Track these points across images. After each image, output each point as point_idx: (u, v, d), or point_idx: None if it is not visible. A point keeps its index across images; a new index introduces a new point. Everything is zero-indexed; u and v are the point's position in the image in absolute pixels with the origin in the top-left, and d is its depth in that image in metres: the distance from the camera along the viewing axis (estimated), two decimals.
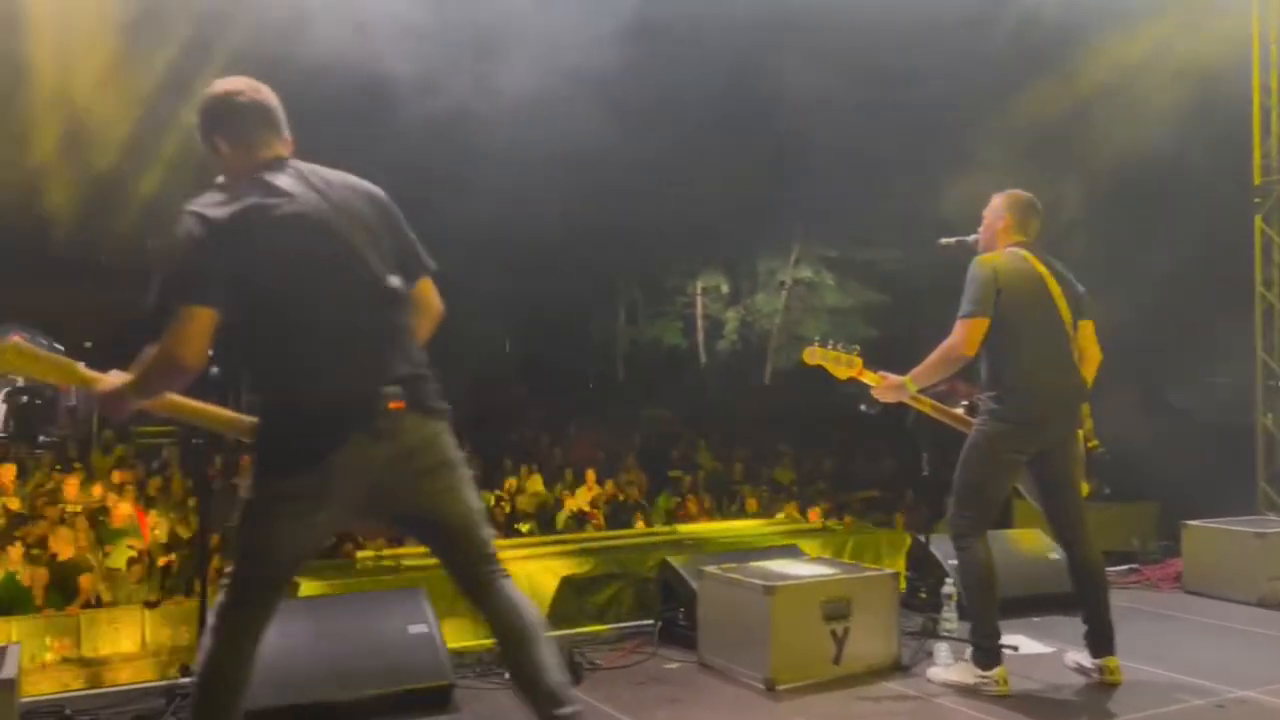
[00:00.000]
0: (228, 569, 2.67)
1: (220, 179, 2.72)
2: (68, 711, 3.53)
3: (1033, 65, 11.24)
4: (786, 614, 4.16)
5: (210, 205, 2.62)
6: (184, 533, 9.73)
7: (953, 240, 4.51)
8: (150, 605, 8.56)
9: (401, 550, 6.92)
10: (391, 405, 2.60)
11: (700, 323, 20.71)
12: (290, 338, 2.61)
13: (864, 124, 12.77)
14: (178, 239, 2.58)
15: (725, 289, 20.47)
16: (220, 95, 2.80)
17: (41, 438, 17.10)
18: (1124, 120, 10.56)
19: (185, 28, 9.69)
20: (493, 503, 11.31)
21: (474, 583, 2.77)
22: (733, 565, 4.58)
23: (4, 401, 18.74)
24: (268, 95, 2.85)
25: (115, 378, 2.71)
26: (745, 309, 20.14)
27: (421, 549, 8.12)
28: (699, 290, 20.64)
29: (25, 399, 18.71)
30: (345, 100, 9.73)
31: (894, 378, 4.25)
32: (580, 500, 11.86)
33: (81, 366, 2.78)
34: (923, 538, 5.57)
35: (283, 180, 2.71)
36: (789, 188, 15.78)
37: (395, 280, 2.74)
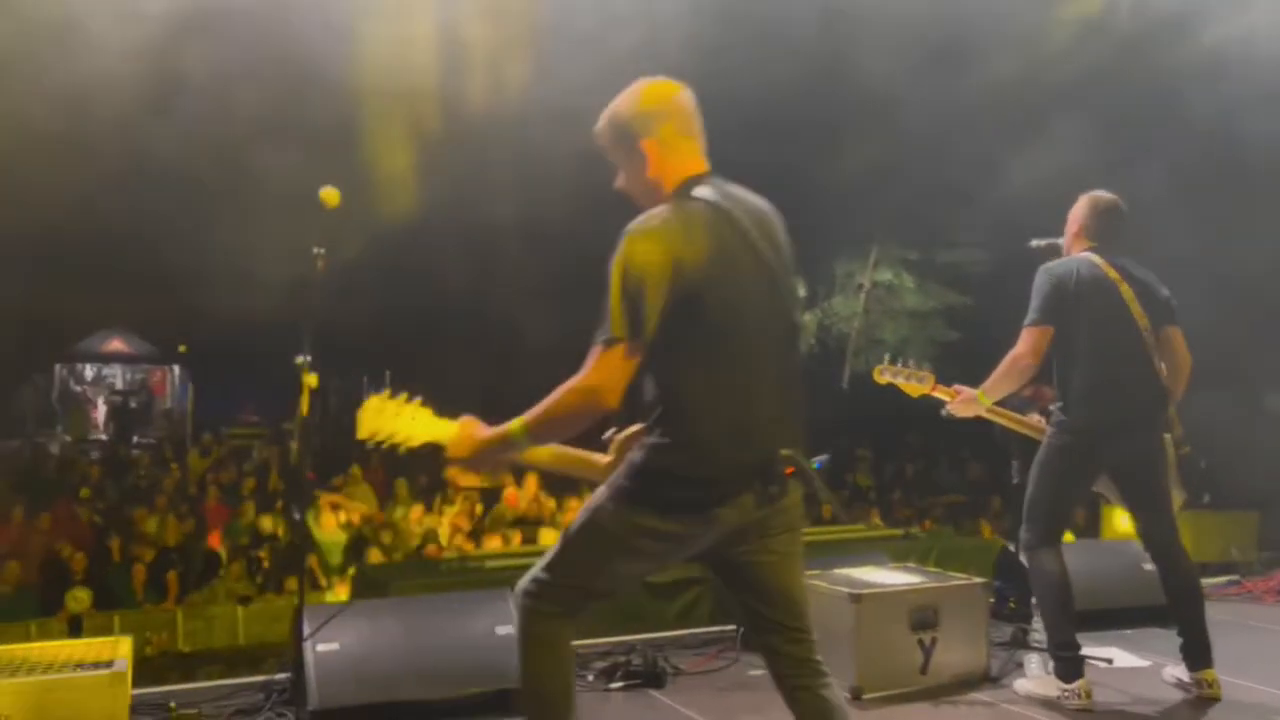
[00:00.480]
0: (542, 575, 2.53)
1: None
2: (172, 704, 3.66)
3: (1122, 55, 10.92)
4: (873, 622, 4.12)
5: (669, 228, 2.40)
6: (277, 530, 9.98)
7: (1044, 242, 4.42)
8: (243, 602, 8.82)
9: (485, 551, 7.02)
10: (788, 470, 2.45)
11: None
12: (712, 387, 2.40)
13: (946, 120, 12.55)
14: (633, 266, 2.34)
15: (801, 292, 20.30)
16: (649, 96, 2.58)
17: (137, 439, 17.74)
18: (1217, 105, 10.17)
19: None
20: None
21: (784, 661, 2.58)
22: (816, 572, 4.54)
23: (105, 403, 19.55)
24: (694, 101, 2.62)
25: (478, 426, 2.52)
26: (822, 312, 19.93)
27: (503, 549, 8.26)
28: None
29: (122, 400, 19.47)
30: None
31: (968, 391, 4.19)
32: None
33: (435, 420, 2.59)
34: (1012, 546, 5.46)
35: (725, 203, 2.50)
36: (867, 188, 15.58)
37: (799, 316, 2.59)
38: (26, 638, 7.88)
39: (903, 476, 14.41)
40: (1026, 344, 3.99)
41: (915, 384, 4.33)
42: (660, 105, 2.53)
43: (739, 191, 2.55)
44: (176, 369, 20.10)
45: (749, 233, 2.46)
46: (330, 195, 3.43)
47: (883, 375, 4.43)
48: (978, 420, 4.37)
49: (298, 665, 3.65)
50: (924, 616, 4.23)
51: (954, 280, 18.19)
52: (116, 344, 19.34)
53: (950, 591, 4.38)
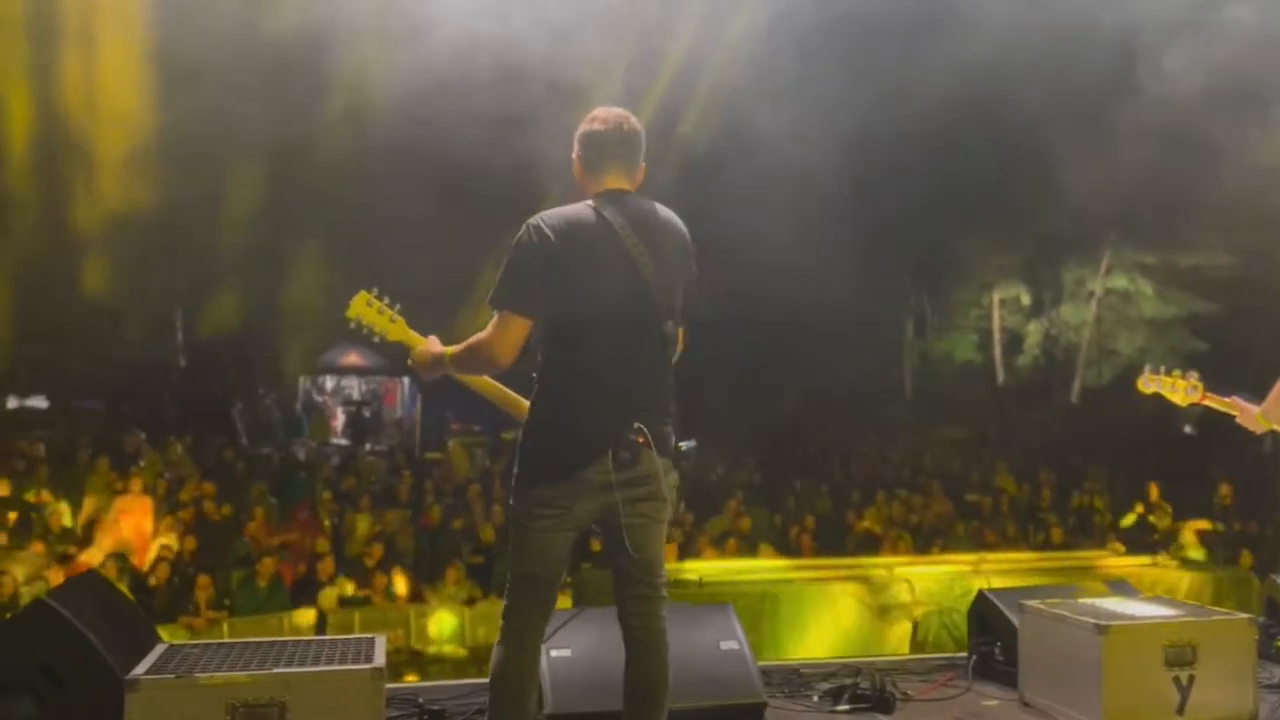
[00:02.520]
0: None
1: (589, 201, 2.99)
2: (420, 701, 3.84)
3: None
4: (1122, 656, 3.84)
5: (550, 220, 2.90)
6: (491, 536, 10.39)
7: None
8: (469, 603, 9.23)
9: (702, 564, 7.04)
10: (639, 440, 2.85)
11: (998, 336, 19.61)
12: (573, 360, 2.88)
13: (1186, 109, 11.60)
14: (516, 245, 2.90)
15: (1025, 300, 19.28)
16: (588, 122, 3.05)
17: (369, 446, 18.93)
18: None
19: None
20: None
21: (626, 611, 3.03)
22: (1058, 600, 4.27)
23: (343, 412, 21.03)
24: (630, 129, 3.03)
25: (434, 345, 3.13)
26: (1049, 321, 18.85)
27: (722, 565, 8.27)
28: (996, 302, 19.56)
29: (357, 410, 20.90)
30: None
31: (1248, 408, 3.85)
32: (870, 521, 11.58)
33: (407, 328, 3.24)
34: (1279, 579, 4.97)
35: (609, 210, 2.93)
36: (1097, 188, 14.60)
37: (670, 326, 2.96)
38: (279, 630, 8.56)
39: (1145, 499, 13.38)
40: None
41: (1183, 393, 4.03)
42: (586, 131, 3.03)
43: (642, 207, 3.00)
44: (406, 380, 21.34)
45: (626, 239, 2.90)
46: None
47: (1147, 385, 4.17)
48: (1228, 436, 4.03)
49: None
50: (1180, 652, 3.91)
51: (1197, 285, 16.80)
52: (353, 357, 20.75)
53: (1211, 627, 4.02)
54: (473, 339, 2.99)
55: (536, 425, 2.94)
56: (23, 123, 11.94)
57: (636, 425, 2.84)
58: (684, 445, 3.05)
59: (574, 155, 3.06)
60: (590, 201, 2.97)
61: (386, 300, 3.26)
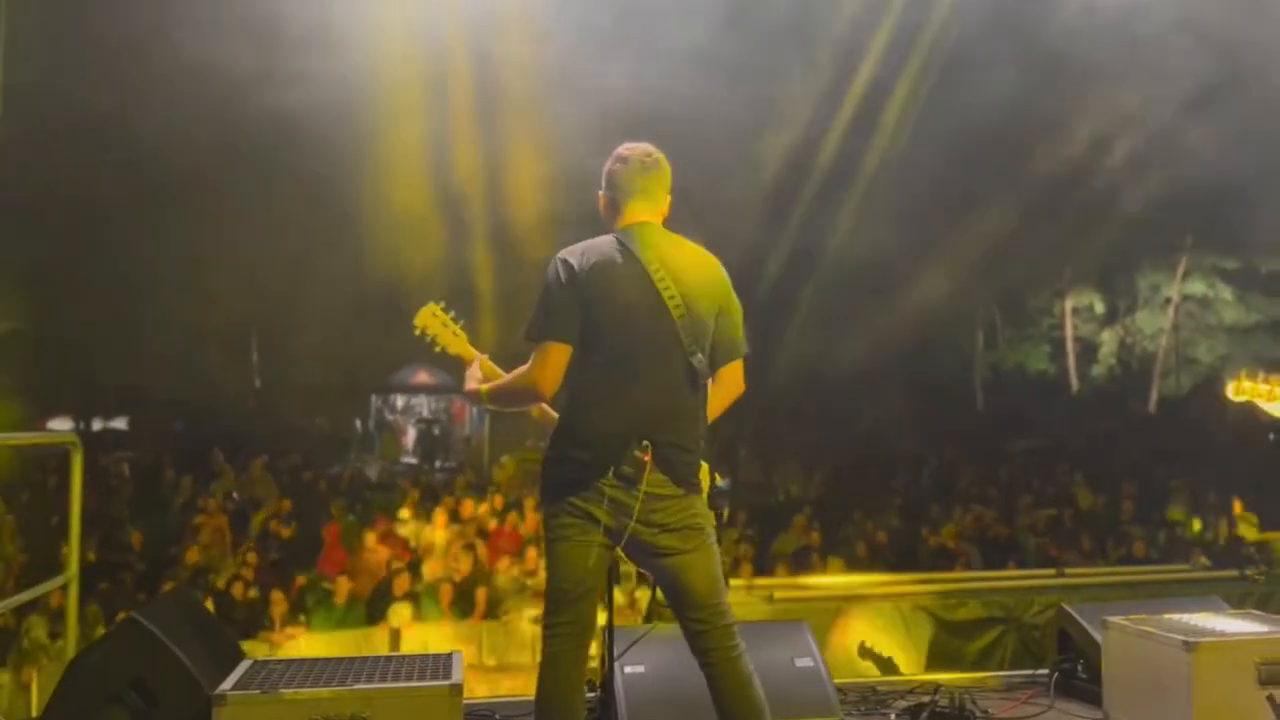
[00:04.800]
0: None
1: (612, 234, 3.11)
2: (497, 717, 3.88)
3: None
4: (1212, 674, 3.73)
5: (575, 254, 3.02)
6: None
7: None
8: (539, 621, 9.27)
9: (774, 581, 7.00)
10: (645, 456, 2.92)
11: (1071, 346, 19.18)
12: (594, 381, 2.98)
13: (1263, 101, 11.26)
14: (544, 280, 3.02)
15: (1099, 308, 18.83)
16: (613, 158, 3.17)
17: (439, 463, 19.18)
18: None
19: None
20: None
21: (692, 648, 3.07)
22: (1142, 617, 4.16)
23: (413, 430, 21.37)
24: (654, 165, 3.14)
25: (470, 380, 3.29)
26: (1124, 329, 18.39)
27: (789, 579, 8.20)
28: (1069, 310, 19.15)
29: (427, 428, 21.21)
30: None
31: None
32: (945, 536, 11.38)
33: (467, 343, 3.38)
34: None
35: (633, 243, 3.04)
36: (1171, 190, 14.22)
37: (700, 359, 3.02)
38: (355, 648, 8.69)
39: (1228, 511, 12.95)
40: None
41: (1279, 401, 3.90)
42: (610, 168, 3.16)
43: (668, 239, 3.10)
44: None
45: (652, 270, 2.99)
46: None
47: (1238, 393, 4.03)
48: None
49: (607, 686, 3.77)
50: (1273, 670, 3.78)
51: None
52: (423, 376, 21.08)
53: None
54: (512, 375, 3.14)
55: (557, 438, 3.04)
56: None
57: (644, 443, 2.91)
58: (721, 482, 3.12)
59: (600, 192, 3.18)
60: (614, 234, 3.08)
61: (453, 314, 3.39)
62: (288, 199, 12.81)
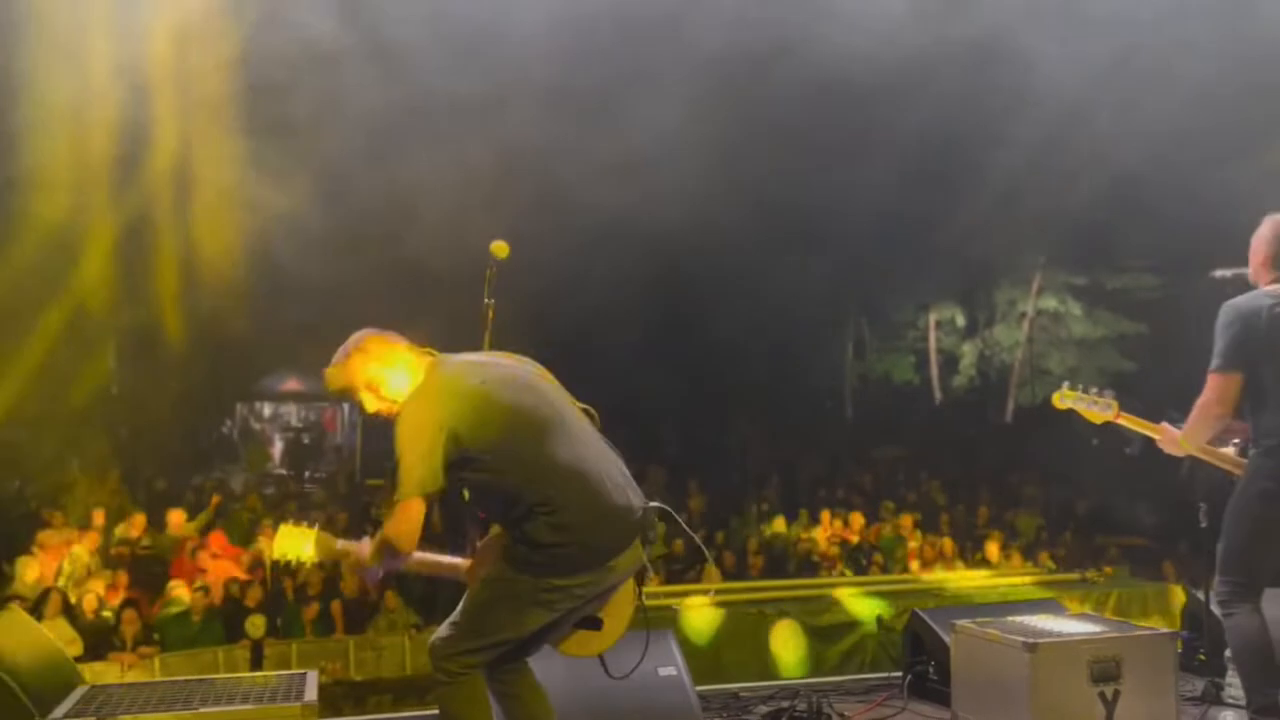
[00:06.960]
0: (462, 641, 3.04)
1: None
2: None
3: None
4: (1049, 673, 3.92)
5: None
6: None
7: (1229, 273, 4.13)
8: (417, 629, 9.10)
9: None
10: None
11: (934, 357, 19.96)
12: (568, 464, 3.01)
13: (1113, 132, 11.94)
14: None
15: (960, 321, 19.66)
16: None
17: (309, 473, 18.63)
18: None
19: None
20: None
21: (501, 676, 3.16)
22: (988, 619, 4.36)
23: (281, 439, 20.72)
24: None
25: (353, 555, 3.16)
26: (983, 342, 19.23)
27: (660, 589, 8.26)
28: (932, 323, 19.92)
29: (296, 437, 20.58)
30: None
31: (1172, 431, 3.95)
32: (812, 542, 11.67)
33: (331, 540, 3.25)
34: (1200, 594, 5.11)
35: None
36: (1028, 211, 14.96)
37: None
38: (215, 664, 8.37)
39: (1073, 516, 13.68)
40: (1214, 392, 3.77)
41: (1099, 410, 4.12)
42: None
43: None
44: (346, 407, 21.08)
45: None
46: (500, 248, 3.54)
47: (1063, 400, 4.24)
48: (1157, 454, 4.14)
49: None
50: (1105, 668, 4.00)
51: (1125, 306, 17.29)
52: (292, 383, 20.46)
53: (1134, 642, 4.11)
54: (379, 536, 3.02)
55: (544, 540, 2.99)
56: None
57: (654, 504, 3.16)
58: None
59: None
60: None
61: (306, 523, 3.32)
62: None
